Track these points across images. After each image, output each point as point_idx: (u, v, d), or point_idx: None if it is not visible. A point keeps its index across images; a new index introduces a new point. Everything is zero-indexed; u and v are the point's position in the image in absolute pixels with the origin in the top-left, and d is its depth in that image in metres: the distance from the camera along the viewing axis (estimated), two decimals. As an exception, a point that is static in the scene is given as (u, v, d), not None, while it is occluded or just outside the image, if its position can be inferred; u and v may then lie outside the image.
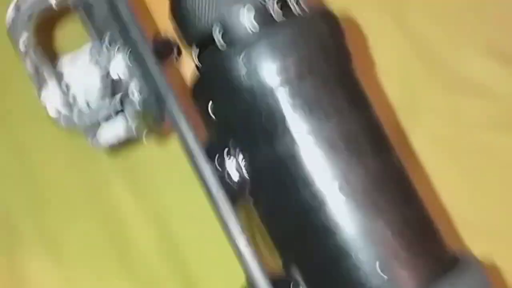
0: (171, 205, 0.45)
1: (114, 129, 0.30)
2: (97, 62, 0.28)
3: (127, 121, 0.30)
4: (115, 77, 0.28)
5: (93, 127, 0.29)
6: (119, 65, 0.28)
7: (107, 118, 0.28)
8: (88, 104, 0.27)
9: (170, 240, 0.45)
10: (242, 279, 0.43)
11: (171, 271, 0.44)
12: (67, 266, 0.44)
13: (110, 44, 0.28)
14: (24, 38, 0.26)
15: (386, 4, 0.48)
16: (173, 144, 0.45)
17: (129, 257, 0.45)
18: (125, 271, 0.44)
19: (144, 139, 0.32)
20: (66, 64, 0.29)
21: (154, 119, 0.28)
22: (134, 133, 0.30)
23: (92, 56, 0.29)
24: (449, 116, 0.47)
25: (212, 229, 0.45)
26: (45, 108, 0.27)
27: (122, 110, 0.28)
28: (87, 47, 0.29)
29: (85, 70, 0.28)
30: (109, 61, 0.28)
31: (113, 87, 0.28)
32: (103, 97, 0.28)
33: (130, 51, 0.27)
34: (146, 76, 0.26)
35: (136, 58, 0.26)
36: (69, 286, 0.44)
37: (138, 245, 0.45)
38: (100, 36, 0.29)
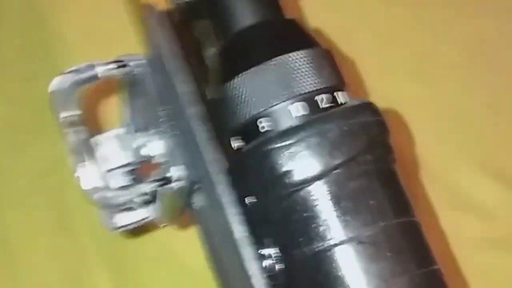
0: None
1: (135, 215, 0.29)
2: (126, 148, 0.28)
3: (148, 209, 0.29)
4: (147, 159, 0.27)
5: (115, 210, 0.29)
6: (155, 150, 0.27)
7: (138, 204, 0.27)
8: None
9: None
10: None
11: None
12: None
13: (145, 129, 0.28)
14: (66, 113, 0.26)
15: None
16: (161, 238, 0.45)
17: None
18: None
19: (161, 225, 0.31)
20: (101, 143, 0.29)
21: (180, 210, 0.27)
22: (154, 219, 0.29)
23: (122, 140, 0.29)
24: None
25: None
26: (78, 181, 0.26)
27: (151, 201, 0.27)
28: (119, 130, 0.29)
29: (115, 153, 0.28)
30: (140, 146, 0.28)
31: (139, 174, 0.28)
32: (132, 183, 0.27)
33: (180, 135, 0.26)
34: (196, 162, 0.25)
35: (188, 143, 0.26)
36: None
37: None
38: (134, 117, 0.29)
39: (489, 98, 0.50)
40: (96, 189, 0.26)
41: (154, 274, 0.44)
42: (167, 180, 0.26)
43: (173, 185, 0.26)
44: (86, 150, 0.27)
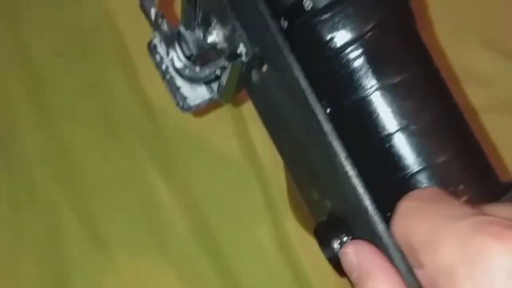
0: (202, 190, 0.49)
1: (201, 94, 0.35)
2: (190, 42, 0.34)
3: (212, 87, 0.35)
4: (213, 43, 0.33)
5: (200, 82, 0.34)
6: (219, 36, 0.33)
7: (209, 79, 0.33)
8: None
9: (202, 222, 0.49)
10: (270, 256, 0.46)
11: (203, 251, 0.48)
12: (109, 251, 0.48)
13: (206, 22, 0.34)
14: (153, 12, 0.33)
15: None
16: (202, 134, 0.51)
17: (165, 240, 0.48)
18: (161, 252, 0.48)
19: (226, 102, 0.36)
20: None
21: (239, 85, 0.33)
22: (217, 97, 0.35)
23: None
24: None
25: (240, 211, 0.50)
26: (172, 61, 0.33)
27: (217, 78, 0.33)
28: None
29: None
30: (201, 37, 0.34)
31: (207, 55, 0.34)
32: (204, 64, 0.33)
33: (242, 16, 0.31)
34: (260, 37, 0.30)
35: (251, 22, 0.31)
36: (111, 269, 0.48)
37: (172, 229, 0.49)
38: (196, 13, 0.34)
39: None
40: (186, 67, 0.33)
41: (198, 165, 0.50)
42: (238, 55, 0.31)
43: (243, 58, 0.31)
44: (173, 38, 0.33)
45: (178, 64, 0.33)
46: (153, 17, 0.33)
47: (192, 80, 0.33)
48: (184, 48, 0.33)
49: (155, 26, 0.33)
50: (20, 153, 0.49)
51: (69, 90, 0.50)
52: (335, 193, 0.30)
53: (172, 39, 0.33)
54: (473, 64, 0.53)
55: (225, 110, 0.50)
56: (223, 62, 0.32)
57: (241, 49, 0.31)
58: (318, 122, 0.28)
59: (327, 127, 0.28)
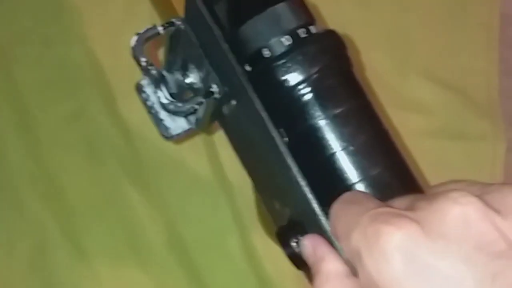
0: (177, 208, 0.54)
1: (181, 125, 0.42)
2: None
3: (190, 118, 0.42)
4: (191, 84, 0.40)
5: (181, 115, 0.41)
6: (195, 78, 0.40)
7: (188, 112, 0.40)
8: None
9: (177, 237, 0.54)
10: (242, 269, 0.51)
11: (178, 264, 0.53)
12: (91, 264, 0.53)
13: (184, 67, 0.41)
14: (143, 60, 0.39)
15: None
16: (177, 155, 0.56)
17: (143, 254, 0.54)
18: (139, 264, 0.53)
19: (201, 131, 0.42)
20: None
21: (212, 118, 0.40)
22: (194, 127, 0.41)
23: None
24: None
25: (212, 227, 0.55)
26: (159, 98, 0.40)
27: (194, 111, 0.40)
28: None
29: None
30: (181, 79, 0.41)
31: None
32: (184, 100, 0.40)
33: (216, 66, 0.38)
34: (230, 79, 0.37)
35: (221, 67, 0.37)
36: (94, 280, 0.53)
37: (150, 244, 0.54)
38: (175, 59, 0.41)
39: (424, 16, 0.61)
40: (170, 103, 0.40)
41: (173, 186, 0.55)
42: (212, 93, 0.38)
43: (216, 95, 0.38)
44: (160, 80, 0.40)
45: (164, 101, 0.40)
46: (143, 64, 0.39)
47: (175, 113, 0.40)
48: (167, 87, 0.40)
49: (145, 71, 0.39)
50: (10, 178, 0.54)
51: (55, 121, 0.55)
52: (291, 201, 0.37)
53: (159, 81, 0.39)
54: (415, 94, 0.60)
55: (199, 138, 0.56)
56: (199, 99, 0.39)
57: (214, 88, 0.38)
58: (276, 144, 0.35)
59: (282, 148, 0.35)
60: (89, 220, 0.54)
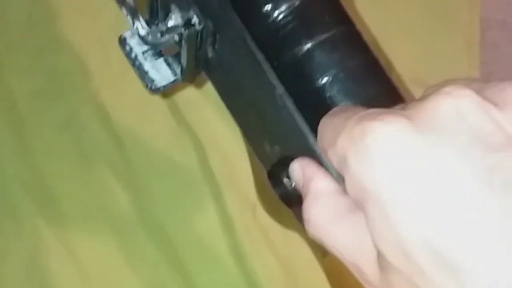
0: (167, 211, 0.55)
1: (166, 76, 0.41)
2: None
3: (173, 67, 0.41)
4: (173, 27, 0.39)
5: (154, 73, 0.40)
6: (175, 20, 0.39)
7: (169, 44, 0.39)
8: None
9: (167, 240, 0.55)
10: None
11: (168, 266, 0.54)
12: (84, 267, 0.54)
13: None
14: None
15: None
16: (169, 159, 0.57)
17: (134, 255, 0.55)
18: (130, 267, 0.54)
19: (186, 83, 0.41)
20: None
21: (197, 62, 0.39)
22: (180, 77, 0.41)
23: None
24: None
25: (201, 228, 0.55)
26: (137, 30, 0.39)
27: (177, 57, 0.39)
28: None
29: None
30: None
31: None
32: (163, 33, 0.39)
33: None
34: (212, 10, 0.36)
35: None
36: (86, 284, 0.54)
37: (141, 246, 0.55)
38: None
39: (406, 23, 0.62)
40: (148, 33, 0.39)
41: (163, 190, 0.56)
42: (191, 25, 0.37)
43: (197, 27, 0.37)
44: (135, 12, 0.39)
45: (142, 32, 0.39)
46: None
47: (155, 46, 0.39)
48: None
49: (121, 1, 0.39)
50: (3, 185, 0.55)
51: (46, 127, 0.56)
52: (282, 134, 0.36)
53: (136, 11, 0.39)
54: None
55: (188, 142, 0.57)
56: (179, 29, 0.37)
57: (195, 19, 0.37)
58: (263, 70, 0.35)
59: (269, 73, 0.35)
60: (82, 225, 0.55)
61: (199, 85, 0.57)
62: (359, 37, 0.37)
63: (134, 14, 0.39)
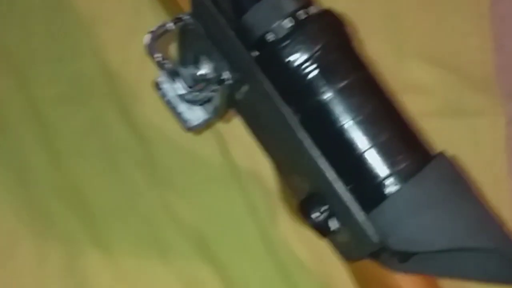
0: (195, 205, 0.57)
1: (199, 116, 0.44)
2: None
3: (206, 106, 0.43)
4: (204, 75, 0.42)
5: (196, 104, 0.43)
6: (206, 69, 0.42)
7: (204, 100, 0.42)
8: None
9: (198, 234, 0.56)
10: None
11: (202, 260, 0.56)
12: (119, 265, 0.56)
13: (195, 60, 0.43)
14: (157, 56, 0.41)
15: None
16: (193, 154, 0.58)
17: (168, 253, 0.56)
18: (164, 261, 0.56)
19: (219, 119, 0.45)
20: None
21: (227, 105, 0.42)
22: (212, 116, 0.43)
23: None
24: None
25: (229, 221, 0.56)
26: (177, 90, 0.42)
27: (209, 100, 0.42)
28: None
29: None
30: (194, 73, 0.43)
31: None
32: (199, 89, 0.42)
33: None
34: (239, 65, 0.39)
35: (232, 56, 0.40)
36: (122, 280, 0.56)
37: (173, 242, 0.56)
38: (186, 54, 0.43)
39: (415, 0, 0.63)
40: (187, 93, 0.42)
41: (188, 182, 0.58)
42: (223, 80, 0.40)
43: (228, 82, 0.40)
44: (174, 74, 0.42)
45: (182, 92, 0.42)
46: (157, 60, 0.41)
47: (193, 102, 0.42)
48: (183, 80, 0.42)
49: (160, 66, 0.42)
50: (36, 190, 0.57)
51: (73, 132, 0.58)
52: (309, 174, 0.39)
53: (174, 74, 0.42)
54: (412, 76, 0.61)
55: (210, 136, 0.58)
56: (214, 86, 0.41)
57: (226, 75, 0.40)
58: (287, 120, 0.38)
59: (293, 123, 0.38)
60: (114, 225, 0.56)
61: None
62: (373, 81, 0.40)
63: (173, 77, 0.42)
